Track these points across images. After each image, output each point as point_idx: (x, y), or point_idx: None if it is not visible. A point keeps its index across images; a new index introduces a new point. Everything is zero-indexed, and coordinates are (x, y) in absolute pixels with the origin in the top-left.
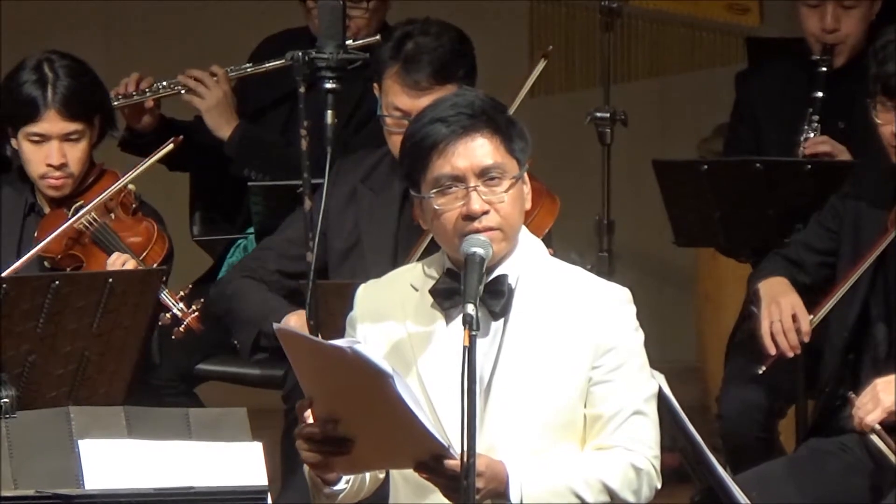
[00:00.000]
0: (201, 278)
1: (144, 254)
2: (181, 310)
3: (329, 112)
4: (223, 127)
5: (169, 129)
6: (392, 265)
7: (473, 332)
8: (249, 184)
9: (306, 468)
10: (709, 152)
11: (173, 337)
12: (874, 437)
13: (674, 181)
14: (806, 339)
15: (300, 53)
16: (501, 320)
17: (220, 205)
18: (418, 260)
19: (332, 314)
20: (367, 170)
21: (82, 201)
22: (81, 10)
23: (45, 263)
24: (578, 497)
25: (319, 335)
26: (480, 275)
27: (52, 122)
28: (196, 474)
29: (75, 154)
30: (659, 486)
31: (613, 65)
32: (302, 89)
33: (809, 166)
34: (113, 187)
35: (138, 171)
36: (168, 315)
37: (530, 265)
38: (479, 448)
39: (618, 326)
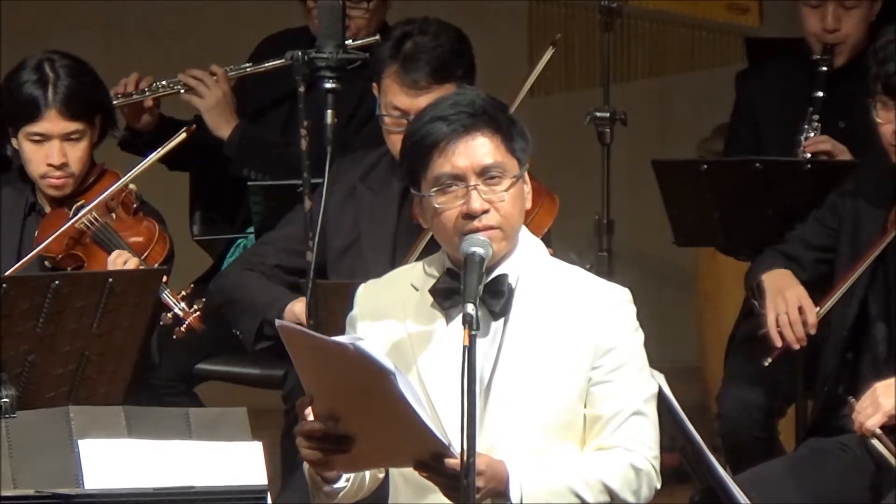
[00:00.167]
0: (202, 278)
1: (146, 254)
2: (183, 309)
3: (329, 112)
4: (223, 126)
5: (168, 129)
6: (391, 264)
7: (473, 332)
8: (249, 183)
9: (306, 466)
10: (709, 152)
11: (174, 337)
12: (875, 442)
13: (673, 181)
14: (812, 332)
15: (300, 53)
16: (501, 320)
17: (220, 204)
18: (417, 259)
19: (332, 314)
20: (367, 169)
21: (83, 201)
22: (81, 10)
23: (46, 263)
24: (578, 497)
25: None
26: (480, 274)
27: (52, 122)
28: (196, 474)
29: (76, 154)
30: (658, 486)
31: (613, 65)
32: (302, 89)
33: (809, 166)
34: (119, 182)
35: (152, 160)
36: (170, 315)
37: (530, 265)
38: (479, 448)
39: (618, 327)
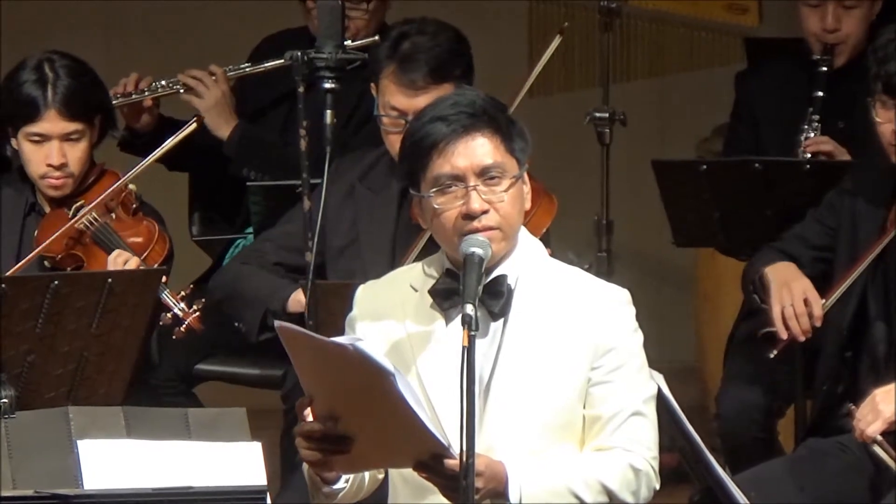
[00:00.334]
0: (201, 278)
1: (145, 254)
2: (182, 309)
3: (328, 112)
4: (222, 127)
5: (168, 129)
6: (389, 264)
7: (472, 333)
8: (248, 184)
9: (305, 467)
10: (708, 152)
11: (174, 337)
12: (876, 448)
13: (673, 181)
14: (818, 324)
15: (299, 53)
16: (501, 321)
17: (220, 205)
18: (415, 260)
19: (331, 314)
20: (365, 169)
21: (83, 201)
22: (81, 10)
23: (46, 263)
24: (577, 497)
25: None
26: (479, 275)
27: (52, 122)
28: (195, 474)
29: (75, 154)
30: (657, 486)
31: (612, 65)
32: (301, 89)
33: (808, 166)
34: (119, 182)
35: (159, 153)
36: (169, 315)
37: (530, 265)
38: (478, 448)
39: (617, 327)
